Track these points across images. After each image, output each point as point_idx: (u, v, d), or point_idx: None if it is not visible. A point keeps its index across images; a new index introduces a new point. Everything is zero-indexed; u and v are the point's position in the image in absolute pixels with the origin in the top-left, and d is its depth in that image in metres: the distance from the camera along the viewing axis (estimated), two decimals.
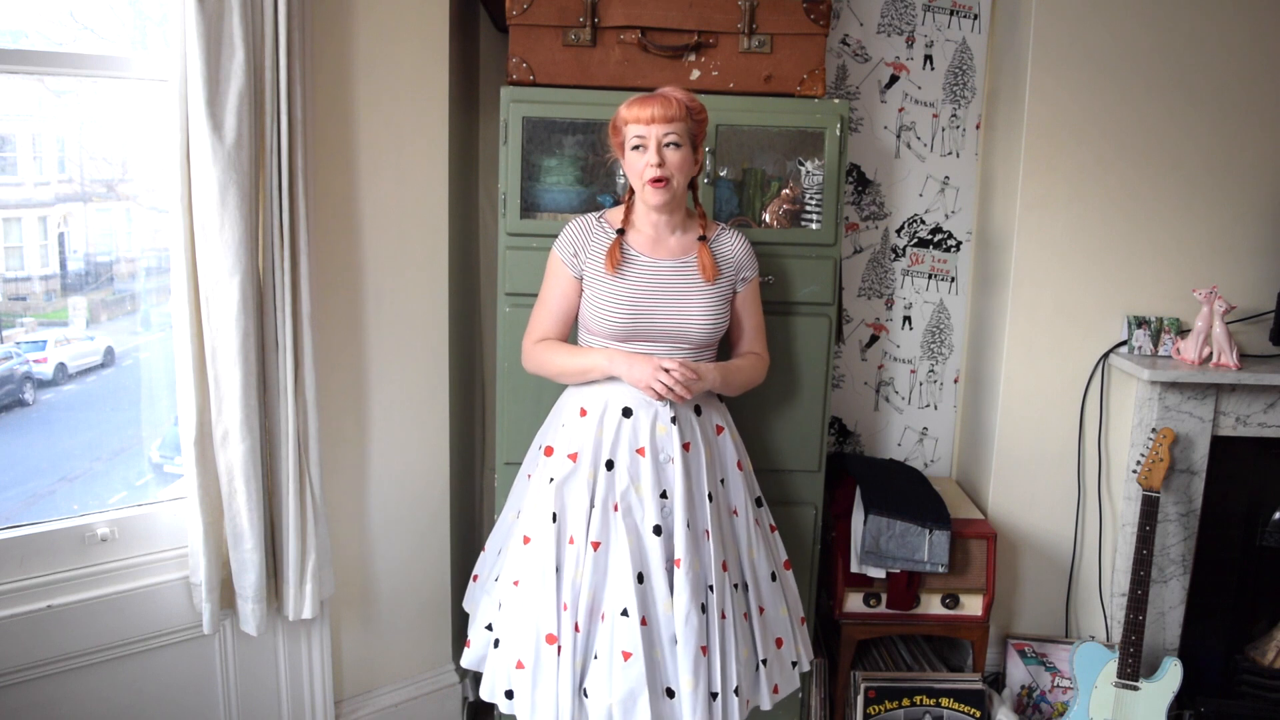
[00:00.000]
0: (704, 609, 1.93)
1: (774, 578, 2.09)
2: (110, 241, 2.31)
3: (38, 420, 2.31)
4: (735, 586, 2.00)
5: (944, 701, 2.64)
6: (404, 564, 2.57)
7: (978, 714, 2.63)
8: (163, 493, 2.30)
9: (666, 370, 1.92)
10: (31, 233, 2.20)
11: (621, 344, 2.00)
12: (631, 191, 2.05)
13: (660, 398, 1.93)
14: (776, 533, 2.18)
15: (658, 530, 1.92)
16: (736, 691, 1.94)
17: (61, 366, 2.30)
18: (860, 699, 2.63)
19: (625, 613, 1.88)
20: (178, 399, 2.11)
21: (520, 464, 2.21)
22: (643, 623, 1.89)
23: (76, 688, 2.07)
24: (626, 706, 1.87)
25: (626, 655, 1.87)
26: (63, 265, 2.27)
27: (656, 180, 1.93)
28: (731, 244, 2.09)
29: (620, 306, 1.97)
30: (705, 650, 1.92)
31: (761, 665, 2.03)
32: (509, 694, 1.98)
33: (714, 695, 1.92)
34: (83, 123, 2.24)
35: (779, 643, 2.09)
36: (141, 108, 2.19)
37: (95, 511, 2.16)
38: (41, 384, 2.28)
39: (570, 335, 2.12)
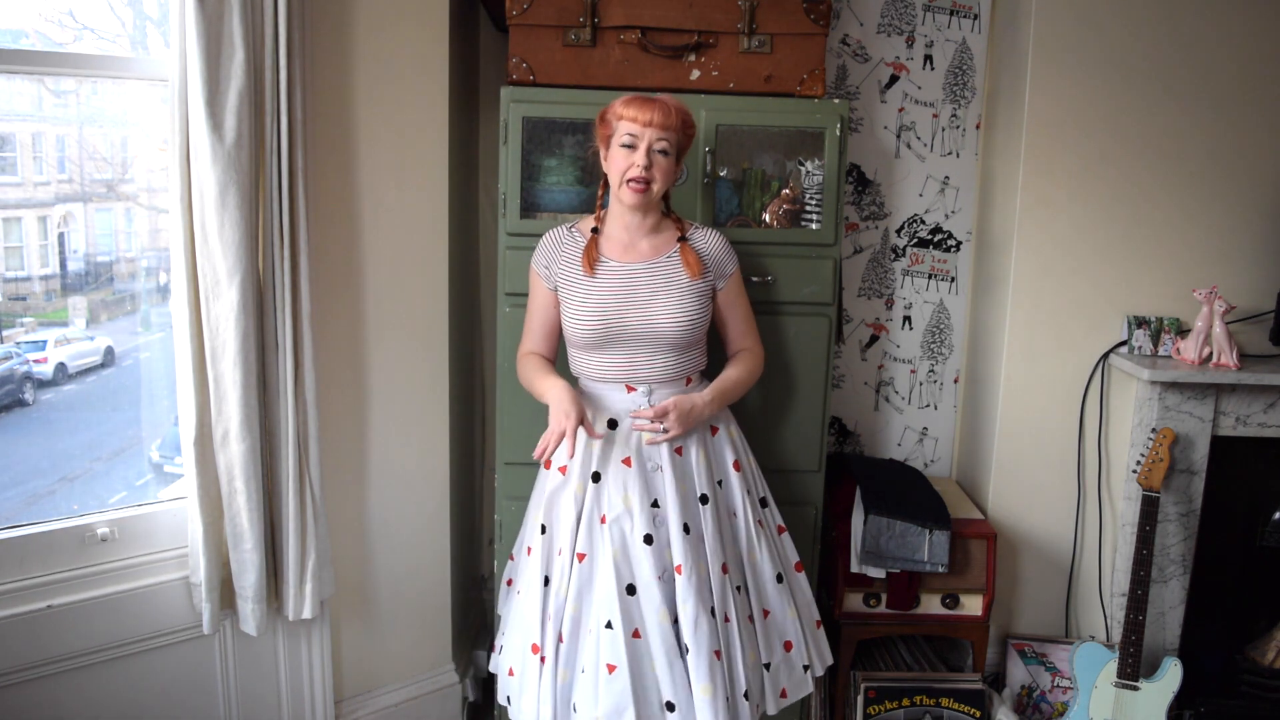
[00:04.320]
0: (713, 613, 1.91)
1: (780, 579, 2.06)
2: (110, 241, 2.31)
3: (38, 420, 2.31)
4: (737, 589, 1.98)
5: (944, 701, 2.64)
6: (404, 564, 2.57)
7: (978, 714, 2.63)
8: (163, 493, 2.30)
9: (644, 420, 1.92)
10: (31, 233, 2.20)
11: (598, 353, 1.99)
12: (604, 192, 2.06)
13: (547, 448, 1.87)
14: (785, 534, 2.16)
15: (648, 539, 1.90)
16: (746, 695, 1.92)
17: (61, 366, 2.30)
18: (860, 699, 2.63)
19: (609, 625, 1.86)
20: (178, 399, 2.11)
21: (519, 463, 2.21)
22: (635, 635, 1.87)
23: (76, 688, 2.07)
24: None
25: (611, 668, 1.85)
26: (63, 265, 2.27)
27: (637, 181, 1.93)
28: (707, 240, 2.08)
29: (589, 313, 1.97)
30: (719, 655, 1.88)
31: (765, 670, 2.00)
32: (509, 699, 2.00)
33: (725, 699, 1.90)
34: (83, 123, 2.24)
35: (788, 646, 2.06)
36: (141, 108, 2.20)
37: (95, 511, 2.16)
38: (41, 384, 2.28)
39: (561, 348, 2.12)
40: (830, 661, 2.18)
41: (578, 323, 1.98)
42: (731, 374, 2.08)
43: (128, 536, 2.15)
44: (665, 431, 1.91)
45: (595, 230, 2.04)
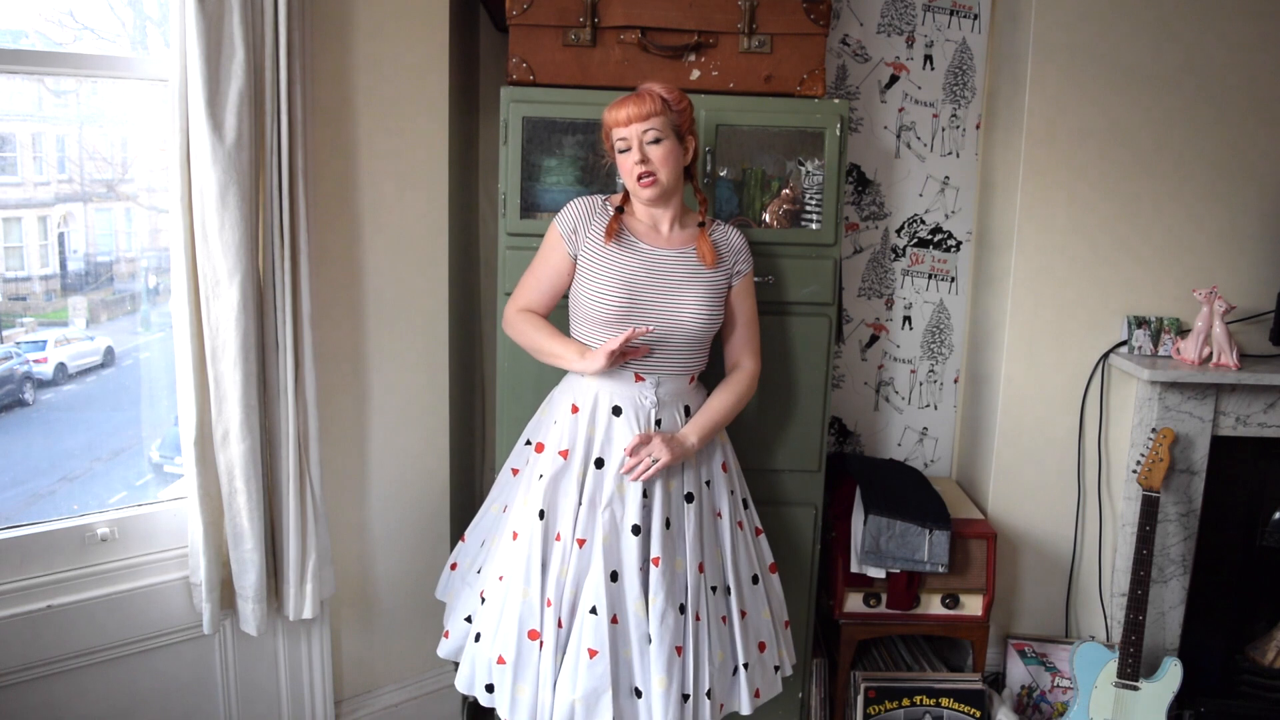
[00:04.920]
0: (682, 609, 1.93)
1: (756, 580, 2.08)
2: (110, 241, 2.31)
3: (38, 420, 2.31)
4: (714, 589, 2.00)
5: (944, 701, 2.64)
6: (404, 564, 2.57)
7: (978, 714, 2.63)
8: (163, 493, 2.30)
9: (638, 459, 1.93)
10: (31, 233, 2.20)
11: (613, 332, 1.96)
12: (627, 196, 2.08)
13: (615, 355, 1.90)
14: (763, 535, 2.18)
15: (636, 529, 1.92)
16: (709, 694, 1.94)
17: (61, 366, 2.30)
18: (860, 699, 2.63)
19: (594, 610, 1.89)
20: (178, 399, 2.11)
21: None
22: (613, 621, 1.89)
23: (76, 688, 2.07)
24: (589, 703, 1.87)
25: (593, 653, 1.87)
26: (63, 265, 2.27)
27: (643, 177, 1.95)
28: (727, 235, 2.10)
29: (615, 288, 1.96)
30: (680, 651, 1.91)
31: (742, 669, 2.01)
32: (489, 688, 1.98)
33: (685, 697, 1.92)
34: (83, 123, 2.24)
35: (761, 646, 2.08)
36: (141, 108, 2.20)
37: (95, 511, 2.16)
38: (41, 384, 2.28)
39: (556, 318, 2.10)
40: (794, 661, 2.20)
41: (601, 296, 1.97)
42: (717, 404, 2.06)
43: (128, 536, 2.15)
44: (656, 461, 1.92)
45: (620, 210, 2.04)
